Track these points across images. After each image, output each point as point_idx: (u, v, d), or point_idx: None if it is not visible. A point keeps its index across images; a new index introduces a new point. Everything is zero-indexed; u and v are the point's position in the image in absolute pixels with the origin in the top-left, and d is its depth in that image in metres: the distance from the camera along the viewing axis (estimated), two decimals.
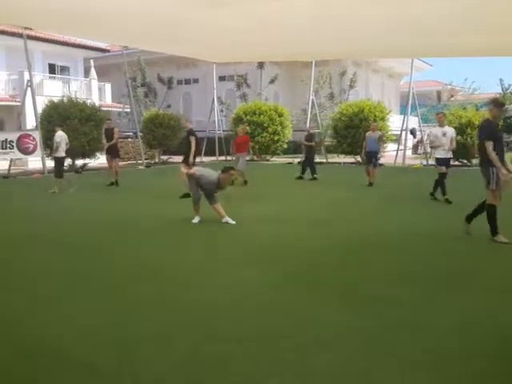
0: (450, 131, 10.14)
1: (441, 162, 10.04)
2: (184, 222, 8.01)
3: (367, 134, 13.82)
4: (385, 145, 21.82)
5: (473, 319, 3.84)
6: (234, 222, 7.73)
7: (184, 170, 8.61)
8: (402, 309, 4.06)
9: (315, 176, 15.19)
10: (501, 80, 35.36)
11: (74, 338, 3.51)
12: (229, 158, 22.65)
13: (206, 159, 23.08)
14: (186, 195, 10.19)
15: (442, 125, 10.17)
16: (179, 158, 23.73)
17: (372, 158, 13.27)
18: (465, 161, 20.63)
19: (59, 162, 12.57)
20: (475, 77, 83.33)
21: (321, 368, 3.05)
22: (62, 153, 12.49)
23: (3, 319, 3.92)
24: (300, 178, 15.40)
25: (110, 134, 13.79)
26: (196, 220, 7.96)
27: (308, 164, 15.55)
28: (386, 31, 12.40)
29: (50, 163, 17.79)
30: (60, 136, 12.52)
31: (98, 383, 2.91)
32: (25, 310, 4.09)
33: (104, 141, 14.09)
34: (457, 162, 20.68)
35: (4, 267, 5.47)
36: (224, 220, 7.80)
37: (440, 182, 10.04)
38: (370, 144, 13.34)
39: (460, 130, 20.01)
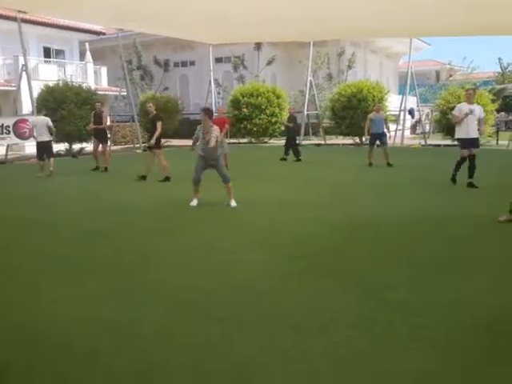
0: (478, 109, 9.28)
1: (464, 143, 9.29)
2: (181, 204, 7.98)
3: (371, 115, 13.66)
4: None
5: (471, 297, 3.85)
6: (235, 205, 7.77)
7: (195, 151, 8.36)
8: (400, 290, 4.06)
9: (285, 157, 15.51)
10: (499, 59, 35.17)
11: (72, 323, 3.51)
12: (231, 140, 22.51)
13: None
14: (166, 179, 10.81)
15: (470, 102, 9.32)
16: (177, 142, 23.79)
17: (379, 139, 13.24)
18: None
19: (38, 145, 12.68)
20: (474, 56, 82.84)
21: (319, 349, 3.06)
22: (39, 137, 12.54)
23: (1, 303, 3.92)
24: (298, 160, 15.32)
25: (98, 119, 13.30)
26: (194, 203, 7.91)
27: (289, 144, 15.68)
28: (384, 10, 12.24)
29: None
30: (34, 121, 12.71)
31: (96, 367, 2.92)
32: (18, 296, 4.10)
33: (91, 124, 13.49)
34: (455, 142, 20.66)
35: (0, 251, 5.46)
36: (229, 202, 7.82)
37: (458, 164, 9.49)
38: (377, 125, 13.21)
39: None
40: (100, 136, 13.49)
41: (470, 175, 9.30)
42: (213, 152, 7.76)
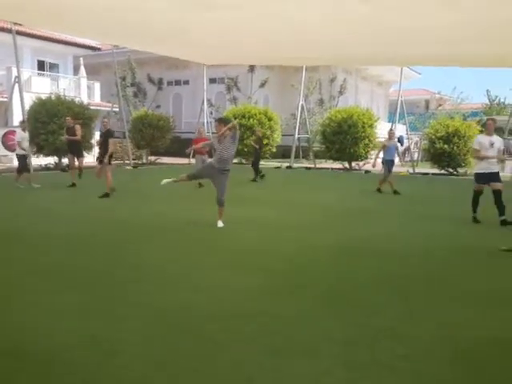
0: (498, 142, 8.58)
1: (480, 177, 8.57)
2: (171, 223, 7.96)
3: (385, 141, 13.69)
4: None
5: (455, 330, 3.85)
6: (222, 225, 7.79)
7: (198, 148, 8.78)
8: (386, 316, 4.06)
9: (256, 179, 15.86)
10: (487, 91, 35.85)
11: (60, 336, 3.47)
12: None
13: (194, 161, 22.98)
14: (106, 195, 10.87)
15: (490, 133, 8.61)
16: (168, 160, 23.79)
17: (391, 166, 13.31)
18: (451, 170, 20.81)
19: (18, 158, 12.82)
20: (463, 87, 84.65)
21: (299, 374, 3.04)
22: (20, 151, 12.69)
23: None
24: (254, 180, 15.82)
25: (71, 132, 13.02)
26: (165, 182, 7.98)
27: (253, 165, 16.21)
28: (376, 40, 12.47)
29: (36, 161, 17.74)
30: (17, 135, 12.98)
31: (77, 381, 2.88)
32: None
33: (64, 137, 13.23)
34: (443, 171, 20.90)
35: None
36: (217, 223, 7.83)
37: (473, 200, 8.74)
38: (390, 152, 13.27)
39: (446, 139, 20.26)
40: (75, 149, 13.24)
41: (501, 212, 8.33)
42: (225, 164, 7.78)
